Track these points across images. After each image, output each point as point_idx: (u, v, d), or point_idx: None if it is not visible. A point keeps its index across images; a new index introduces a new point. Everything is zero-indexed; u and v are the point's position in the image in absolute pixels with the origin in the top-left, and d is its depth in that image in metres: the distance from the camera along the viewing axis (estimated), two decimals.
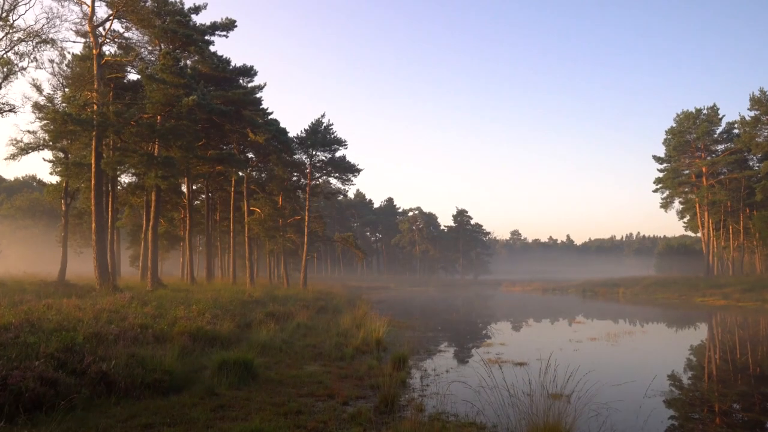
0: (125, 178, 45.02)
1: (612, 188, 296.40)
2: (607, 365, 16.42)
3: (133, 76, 34.84)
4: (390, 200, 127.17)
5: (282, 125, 40.71)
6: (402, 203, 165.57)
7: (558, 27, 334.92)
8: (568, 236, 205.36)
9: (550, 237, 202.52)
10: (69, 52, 33.10)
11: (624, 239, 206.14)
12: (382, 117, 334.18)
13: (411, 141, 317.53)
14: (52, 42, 27.63)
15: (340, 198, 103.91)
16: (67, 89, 30.61)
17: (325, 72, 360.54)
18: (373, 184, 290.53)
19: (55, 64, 29.27)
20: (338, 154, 46.10)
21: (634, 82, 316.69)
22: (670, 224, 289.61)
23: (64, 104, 27.89)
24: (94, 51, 27.95)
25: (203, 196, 51.72)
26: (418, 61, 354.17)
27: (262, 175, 51.28)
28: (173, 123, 27.56)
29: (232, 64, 35.50)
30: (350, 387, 11.55)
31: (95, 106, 26.88)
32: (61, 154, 36.04)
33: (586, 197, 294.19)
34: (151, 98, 26.88)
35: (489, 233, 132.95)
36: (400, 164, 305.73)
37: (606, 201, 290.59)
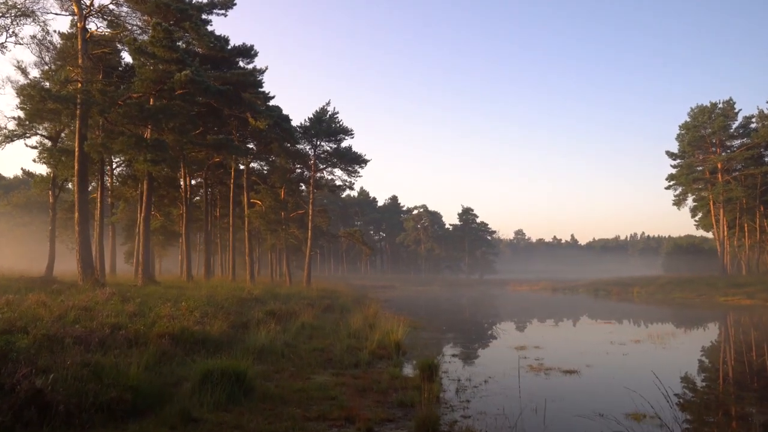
0: (118, 169, 42.73)
1: (616, 188, 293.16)
2: (674, 371, 13.79)
3: (125, 60, 32.45)
4: (394, 198, 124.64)
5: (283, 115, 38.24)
6: (406, 201, 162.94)
7: (563, 25, 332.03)
8: (572, 236, 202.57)
9: (554, 236, 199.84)
10: (56, 32, 30.51)
11: (628, 239, 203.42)
12: (384, 115, 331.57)
13: (414, 139, 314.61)
14: (32, 14, 25.14)
15: (344, 195, 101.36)
16: (51, 66, 28.05)
17: (327, 67, 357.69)
18: (376, 183, 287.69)
19: (37, 41, 26.72)
20: (344, 144, 43.54)
21: (639, 81, 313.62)
22: (675, 224, 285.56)
23: (43, 79, 25.37)
24: (78, 24, 25.44)
25: (203, 192, 49.25)
26: (421, 59, 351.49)
27: (264, 167, 48.80)
28: (165, 103, 25.00)
29: (231, 43, 32.97)
30: (372, 405, 9.02)
31: (79, 84, 24.34)
32: (48, 142, 33.54)
33: (590, 197, 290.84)
34: (140, 75, 24.32)
35: (494, 232, 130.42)
36: (403, 162, 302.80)
37: (610, 201, 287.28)
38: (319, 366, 12.27)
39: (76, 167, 24.87)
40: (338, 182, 46.69)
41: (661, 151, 65.14)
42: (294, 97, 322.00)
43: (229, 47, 32.83)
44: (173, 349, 11.12)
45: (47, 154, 30.53)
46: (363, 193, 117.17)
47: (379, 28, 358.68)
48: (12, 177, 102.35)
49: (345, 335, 16.37)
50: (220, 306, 18.45)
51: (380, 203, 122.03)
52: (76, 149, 24.79)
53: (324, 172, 45.85)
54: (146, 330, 11.68)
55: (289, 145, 40.66)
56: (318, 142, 43.21)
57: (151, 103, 26.43)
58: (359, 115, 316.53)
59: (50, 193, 36.41)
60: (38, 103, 22.81)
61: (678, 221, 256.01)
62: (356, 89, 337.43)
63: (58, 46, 28.35)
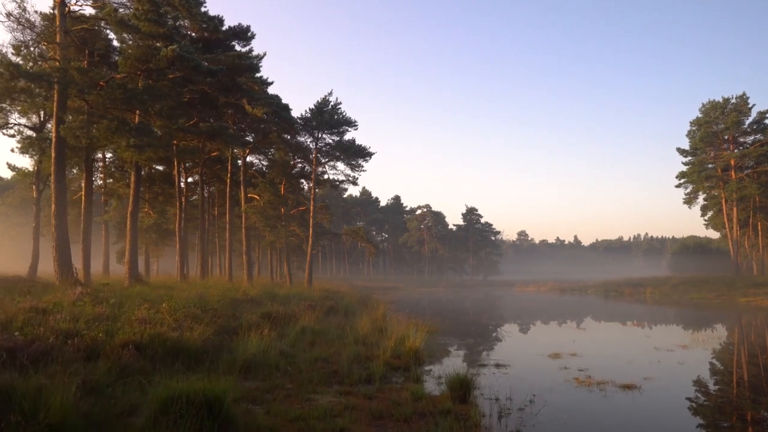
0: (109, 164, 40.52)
1: (619, 189, 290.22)
2: (757, 384, 11.41)
3: (114, 45, 30.08)
4: (397, 198, 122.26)
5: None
6: (408, 202, 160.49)
7: (565, 26, 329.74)
8: (575, 237, 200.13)
9: (557, 237, 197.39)
10: (38, 12, 28.13)
11: (632, 240, 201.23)
12: (386, 114, 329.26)
13: (416, 139, 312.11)
14: None
15: (346, 195, 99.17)
16: (30, 46, 25.76)
17: (327, 67, 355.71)
18: (378, 183, 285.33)
19: (13, 18, 24.39)
20: (347, 137, 41.09)
21: (642, 81, 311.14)
22: (678, 225, 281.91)
23: (15, 56, 23.06)
24: None
25: (200, 190, 47.01)
26: (423, 59, 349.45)
27: (263, 162, 46.52)
28: (151, 83, 22.65)
29: (225, 25, 30.56)
30: None
31: (57, 63, 22.02)
32: (29, 132, 31.23)
33: (592, 198, 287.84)
34: (123, 52, 22.02)
35: (499, 232, 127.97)
36: (405, 163, 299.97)
37: (613, 202, 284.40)
38: (323, 381, 9.94)
39: (53, 154, 22.53)
40: (341, 177, 44.22)
41: (665, 152, 64.07)
42: (293, 99, 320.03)
43: (224, 28, 30.49)
44: (138, 362, 8.75)
45: (26, 143, 28.23)
46: (365, 192, 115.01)
47: (379, 27, 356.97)
48: (10, 177, 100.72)
49: (352, 341, 14.04)
50: (209, 308, 16.14)
51: (383, 203, 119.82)
52: (53, 134, 22.48)
53: (326, 166, 43.45)
54: (107, 338, 9.35)
55: (289, 137, 38.32)
56: (319, 135, 40.81)
57: (139, 86, 24.10)
58: (360, 115, 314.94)
59: (34, 187, 34.24)
60: (8, 81, 20.52)
61: (681, 222, 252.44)
62: (357, 89, 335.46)
63: (37, 24, 26.04)
